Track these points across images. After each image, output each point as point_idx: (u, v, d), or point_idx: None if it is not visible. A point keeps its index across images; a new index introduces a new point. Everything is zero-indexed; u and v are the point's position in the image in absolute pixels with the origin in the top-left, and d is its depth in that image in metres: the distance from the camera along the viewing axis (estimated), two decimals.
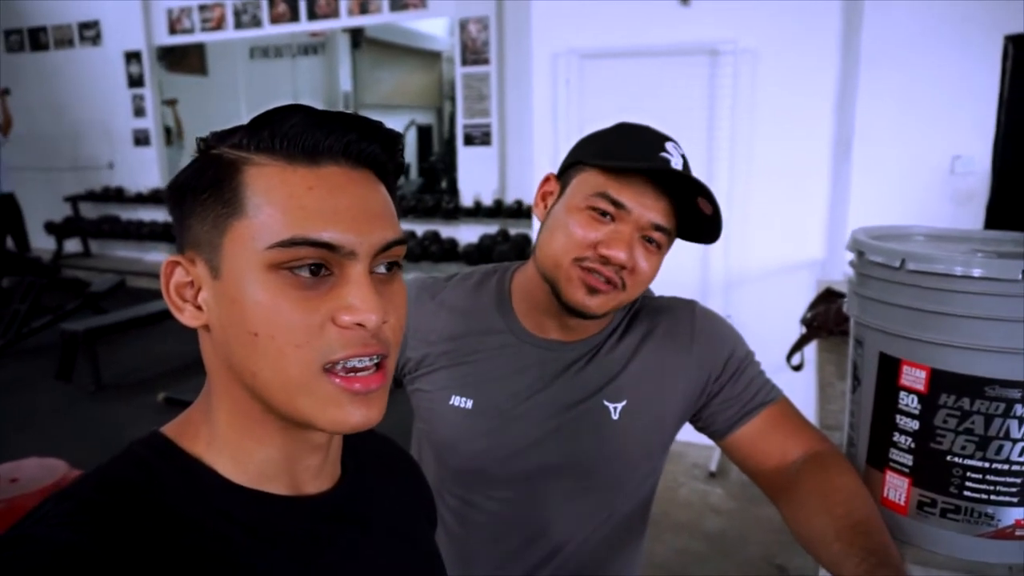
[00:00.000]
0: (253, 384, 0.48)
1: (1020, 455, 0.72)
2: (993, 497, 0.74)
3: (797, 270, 3.00)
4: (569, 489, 0.92)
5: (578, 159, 0.86)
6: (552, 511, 0.92)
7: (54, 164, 7.57)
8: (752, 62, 2.93)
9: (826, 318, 1.61)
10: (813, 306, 1.70)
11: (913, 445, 0.77)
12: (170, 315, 0.51)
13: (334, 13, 5.86)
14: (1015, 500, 0.74)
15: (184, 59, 7.71)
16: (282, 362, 0.47)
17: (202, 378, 0.54)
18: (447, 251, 5.44)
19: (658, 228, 0.82)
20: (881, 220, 0.99)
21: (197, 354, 0.53)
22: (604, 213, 0.81)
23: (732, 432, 0.92)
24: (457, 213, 5.59)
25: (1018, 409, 0.71)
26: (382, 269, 0.51)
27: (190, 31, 6.68)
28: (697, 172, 0.85)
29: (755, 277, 3.11)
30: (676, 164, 0.82)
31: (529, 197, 0.94)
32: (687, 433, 0.99)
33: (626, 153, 0.82)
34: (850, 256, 0.86)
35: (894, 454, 0.80)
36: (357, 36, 9.07)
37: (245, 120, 0.49)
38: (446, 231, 5.66)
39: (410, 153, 9.75)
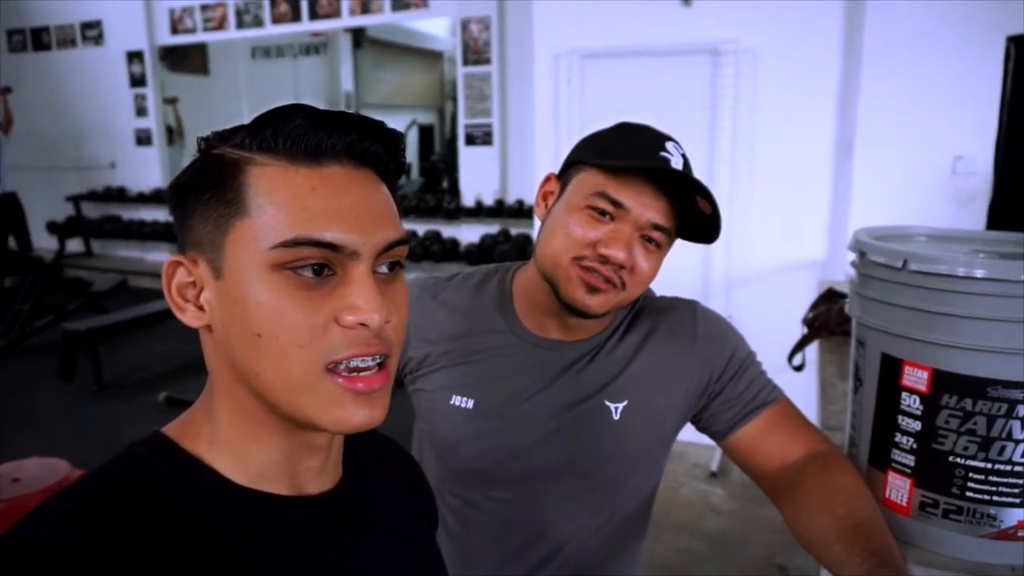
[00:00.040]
0: (256, 384, 0.48)
1: (1023, 456, 0.72)
2: (995, 498, 0.74)
3: (798, 270, 3.00)
4: (570, 489, 0.92)
5: (578, 158, 0.86)
6: (553, 511, 0.92)
7: (56, 164, 7.57)
8: (754, 62, 2.93)
9: (827, 318, 1.61)
10: (815, 306, 1.70)
11: (915, 446, 0.77)
12: (171, 315, 0.51)
13: (336, 13, 5.86)
14: (1017, 501, 0.74)
15: (186, 59, 7.71)
16: (285, 362, 0.47)
17: (203, 378, 0.54)
18: (448, 251, 5.44)
19: (657, 228, 0.81)
20: (883, 220, 0.99)
21: (198, 354, 0.53)
22: (603, 212, 0.81)
23: (733, 432, 0.92)
24: (458, 213, 5.59)
25: (1021, 410, 0.71)
26: (384, 269, 0.51)
27: (192, 31, 6.68)
28: (698, 172, 0.85)
29: (756, 277, 3.11)
30: (676, 164, 0.81)
31: (530, 197, 0.94)
32: (688, 433, 0.99)
33: (626, 152, 0.82)
34: (852, 256, 0.86)
35: (896, 455, 0.79)
36: (359, 36, 9.06)
37: (247, 120, 0.49)
38: (447, 231, 5.66)
39: (412, 153, 9.75)
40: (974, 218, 2.53)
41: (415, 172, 9.65)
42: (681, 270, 3.03)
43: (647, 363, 0.92)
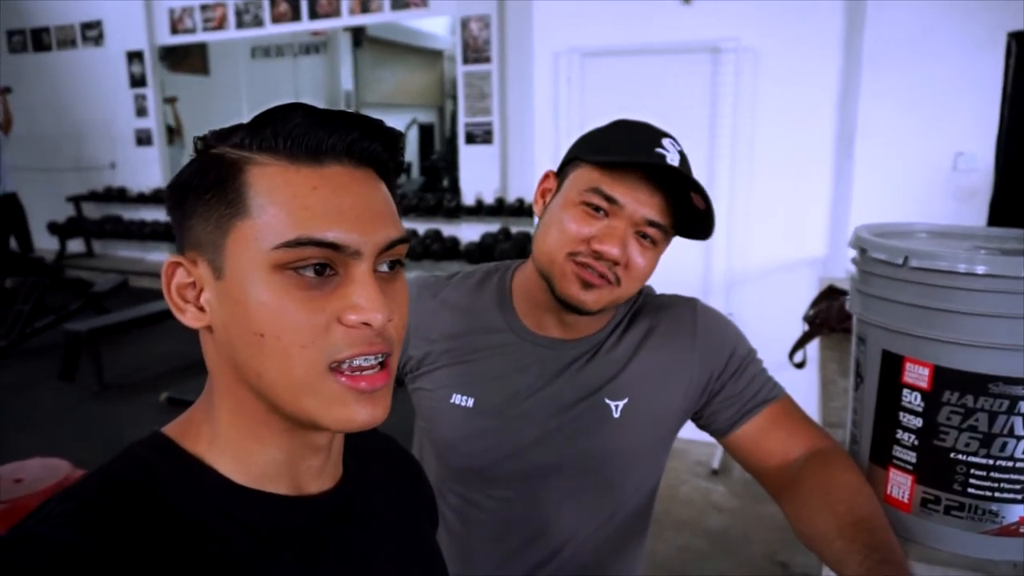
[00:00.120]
0: (258, 385, 0.48)
1: None
2: (997, 494, 0.74)
3: (799, 267, 3.00)
4: (570, 488, 0.92)
5: (575, 155, 0.86)
6: (553, 510, 0.92)
7: (57, 164, 7.57)
8: (754, 60, 2.92)
9: (828, 315, 1.61)
10: (815, 303, 1.70)
11: (916, 442, 0.77)
12: (172, 315, 0.51)
13: (335, 12, 5.85)
14: (1019, 497, 0.74)
15: (186, 59, 7.70)
16: (288, 362, 0.47)
17: (205, 378, 0.54)
18: (449, 250, 5.43)
19: (652, 224, 0.81)
20: (884, 217, 0.99)
21: (199, 354, 0.53)
22: (597, 208, 0.81)
23: (734, 430, 0.91)
24: (459, 212, 5.58)
25: (1022, 406, 0.71)
26: (385, 268, 0.51)
27: (192, 31, 6.68)
28: (699, 171, 0.85)
29: (757, 275, 3.10)
30: (672, 160, 0.81)
31: (531, 195, 0.94)
32: (689, 430, 0.99)
33: (621, 149, 0.82)
34: (852, 253, 0.86)
35: (897, 451, 0.79)
36: (358, 35, 9.06)
37: (247, 120, 0.49)
38: (448, 230, 5.66)
39: (412, 152, 9.74)
40: (975, 214, 2.53)
41: (415, 171, 9.65)
42: (681, 268, 3.05)
43: (647, 361, 0.91)
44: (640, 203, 0.80)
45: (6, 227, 6.07)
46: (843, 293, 1.65)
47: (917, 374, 0.76)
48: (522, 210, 5.28)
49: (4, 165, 6.03)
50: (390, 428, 0.71)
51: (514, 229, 5.33)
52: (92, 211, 7.44)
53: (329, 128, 0.48)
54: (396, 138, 0.52)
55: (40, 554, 0.42)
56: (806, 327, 1.67)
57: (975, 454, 0.74)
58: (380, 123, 0.51)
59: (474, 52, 5.25)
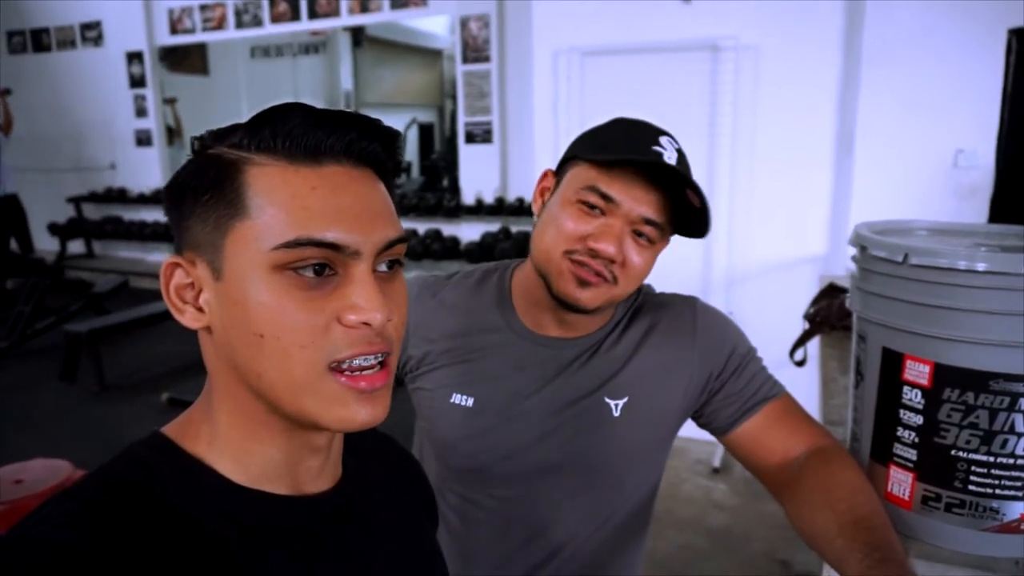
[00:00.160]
0: (258, 385, 0.48)
1: None
2: (998, 491, 0.74)
3: (800, 266, 3.00)
4: (571, 487, 0.91)
5: (572, 154, 0.86)
6: (554, 509, 0.92)
7: (56, 165, 7.57)
8: (754, 58, 2.92)
9: (829, 313, 1.61)
10: (816, 301, 1.70)
11: (917, 440, 0.77)
12: (172, 316, 0.51)
13: (335, 12, 5.85)
14: (1020, 494, 0.73)
15: (186, 59, 7.70)
16: (287, 363, 0.47)
17: (205, 378, 0.54)
18: (449, 249, 5.43)
19: (649, 222, 0.81)
20: (884, 215, 0.99)
21: (200, 354, 0.53)
22: (593, 207, 0.81)
23: (734, 428, 0.91)
24: (459, 211, 5.58)
25: (1023, 403, 0.71)
26: (384, 267, 0.51)
27: (191, 31, 6.67)
28: (699, 169, 0.85)
29: (757, 273, 3.10)
30: (670, 158, 0.81)
31: (531, 195, 0.94)
32: (690, 429, 0.99)
33: (618, 147, 0.82)
34: (852, 251, 0.86)
35: (898, 449, 0.79)
36: (358, 35, 9.06)
37: (246, 120, 0.49)
38: (448, 229, 5.65)
39: (412, 151, 9.75)
40: (976, 212, 2.53)
41: (415, 170, 9.65)
42: (682, 266, 3.04)
43: (647, 360, 0.91)
44: (636, 201, 0.80)
45: (7, 228, 6.07)
46: (843, 291, 1.65)
47: (917, 371, 0.76)
48: (522, 209, 5.28)
49: (5, 166, 6.03)
50: (390, 428, 0.71)
51: (514, 228, 5.32)
52: (92, 212, 7.44)
53: (328, 128, 0.48)
54: (394, 137, 0.52)
55: (40, 554, 0.42)
56: (806, 325, 1.66)
57: (976, 451, 0.74)
58: (378, 123, 0.51)
59: (473, 51, 5.25)
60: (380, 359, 0.49)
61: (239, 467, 0.51)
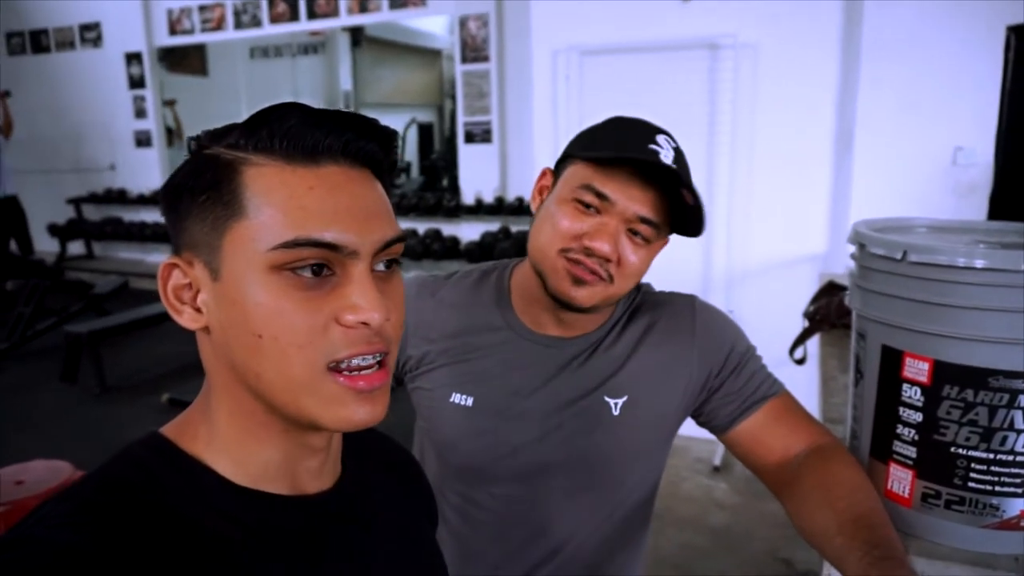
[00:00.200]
0: (257, 385, 0.48)
1: None
2: (998, 488, 0.74)
3: (799, 264, 3.00)
4: (570, 486, 0.91)
5: (569, 152, 0.86)
6: (554, 508, 0.92)
7: (56, 166, 7.57)
8: (752, 56, 2.92)
9: (828, 311, 1.61)
10: (815, 299, 1.70)
11: (917, 437, 0.77)
12: None
13: (334, 12, 5.85)
14: (1020, 491, 0.73)
15: (185, 60, 7.70)
16: (286, 363, 0.47)
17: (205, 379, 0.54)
18: (449, 249, 5.43)
19: (644, 220, 0.81)
20: (883, 213, 0.99)
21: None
22: (589, 205, 0.81)
23: (734, 427, 0.91)
24: (458, 211, 5.58)
25: (1022, 400, 0.71)
26: (382, 267, 0.51)
27: (190, 32, 6.67)
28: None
29: (757, 272, 3.10)
30: (666, 156, 0.80)
31: (530, 194, 0.94)
32: (691, 427, 0.99)
33: (613, 145, 0.82)
34: (852, 249, 0.86)
35: (898, 446, 0.79)
36: (357, 35, 9.06)
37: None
38: (448, 229, 5.65)
39: (411, 151, 9.74)
40: (975, 209, 2.53)
41: (415, 170, 9.65)
42: (681, 265, 3.04)
43: (646, 358, 0.91)
44: (631, 200, 0.80)
45: (7, 230, 6.07)
46: (843, 289, 1.65)
47: (917, 369, 0.76)
48: (522, 209, 5.28)
49: (5, 168, 6.03)
50: (390, 428, 0.71)
51: (514, 228, 5.32)
52: (92, 213, 7.44)
53: (325, 128, 0.48)
54: (391, 137, 0.52)
55: (39, 555, 0.42)
56: (806, 323, 1.66)
57: (975, 448, 0.74)
58: (375, 122, 0.51)
59: (472, 51, 5.25)
60: (378, 359, 0.49)
61: (238, 467, 0.51)
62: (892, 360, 0.79)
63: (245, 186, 0.47)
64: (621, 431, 0.90)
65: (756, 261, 3.09)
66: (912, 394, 0.77)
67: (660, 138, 0.82)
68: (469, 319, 0.93)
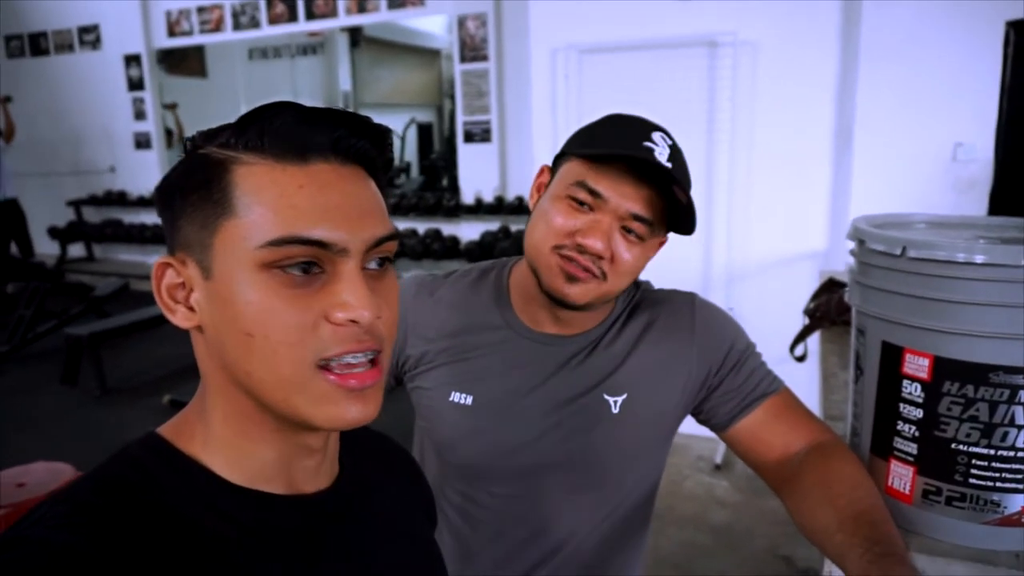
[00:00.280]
0: (248, 384, 0.48)
1: None
2: (999, 484, 0.74)
3: (799, 261, 2.99)
4: (570, 484, 0.91)
5: (565, 149, 0.86)
6: (554, 507, 0.92)
7: (56, 169, 7.57)
8: (752, 54, 2.92)
9: (828, 308, 1.61)
10: (815, 296, 1.70)
11: (917, 434, 0.77)
12: None
13: (332, 13, 5.85)
14: (1021, 487, 0.73)
15: (184, 61, 7.70)
16: (275, 360, 0.46)
17: None
18: (449, 249, 5.43)
19: (637, 218, 0.80)
20: (883, 209, 0.99)
21: None
22: (582, 203, 0.81)
23: (733, 424, 0.91)
24: (458, 210, 5.58)
25: (1023, 395, 0.71)
26: (374, 265, 0.50)
27: (189, 33, 6.67)
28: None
29: (757, 269, 3.10)
30: (661, 154, 0.80)
31: (528, 193, 0.94)
32: (692, 426, 0.99)
33: (608, 143, 0.81)
34: (851, 245, 0.85)
35: (898, 443, 0.79)
36: (356, 35, 9.06)
37: None
38: (448, 229, 5.65)
39: (411, 151, 9.75)
40: (975, 205, 2.52)
41: (415, 170, 9.65)
42: (681, 263, 3.04)
43: (646, 356, 0.91)
44: (624, 197, 0.80)
45: (7, 232, 6.08)
46: (843, 286, 1.65)
47: (917, 365, 0.76)
48: (521, 208, 5.28)
49: (5, 171, 6.04)
50: (389, 427, 0.71)
51: (514, 227, 5.33)
52: (92, 215, 7.45)
53: (315, 126, 0.48)
54: (384, 135, 0.52)
55: (35, 556, 0.42)
56: (806, 320, 1.66)
57: (976, 444, 0.73)
58: (368, 120, 0.51)
59: (471, 50, 5.25)
60: (370, 357, 0.49)
61: (234, 467, 0.51)
62: (892, 356, 0.78)
63: (235, 184, 0.47)
64: (620, 429, 0.90)
65: (756, 259, 3.09)
66: (912, 390, 0.76)
67: (656, 135, 0.82)
68: (468, 318, 0.93)
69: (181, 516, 0.47)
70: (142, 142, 7.16)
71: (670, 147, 0.82)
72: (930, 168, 2.72)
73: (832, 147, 2.92)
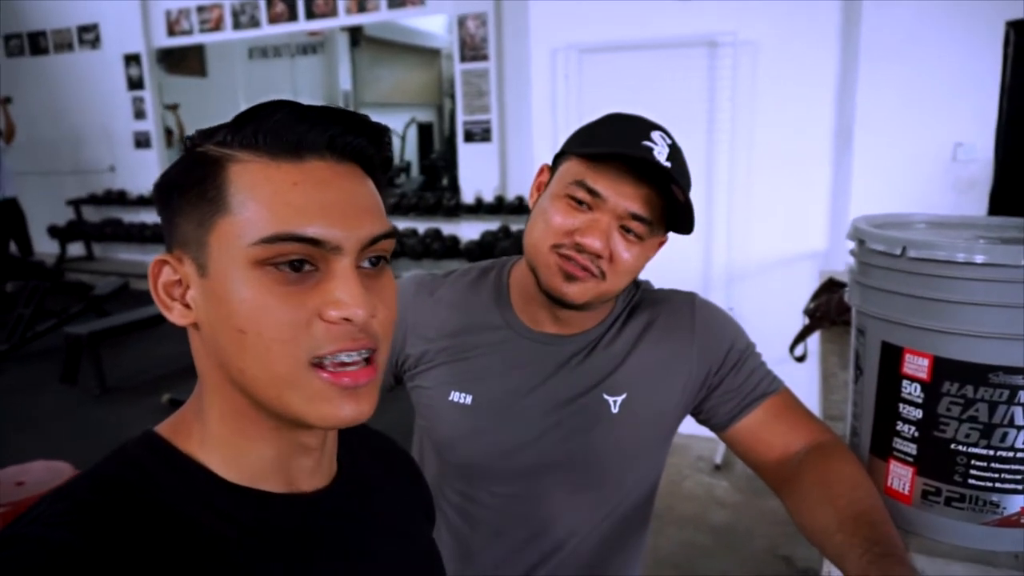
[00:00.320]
0: (242, 381, 0.48)
1: None
2: (998, 485, 0.73)
3: (799, 261, 2.99)
4: (570, 484, 0.91)
5: (565, 148, 0.86)
6: (554, 506, 0.91)
7: (55, 168, 7.57)
8: (752, 54, 2.91)
9: (828, 308, 1.61)
10: (815, 297, 1.70)
11: (917, 434, 0.77)
12: None
13: (332, 12, 5.84)
14: (1020, 487, 0.73)
15: (183, 61, 7.70)
16: (268, 358, 0.46)
17: None
18: (449, 248, 5.43)
19: (635, 217, 0.80)
20: (883, 209, 0.98)
21: None
22: (581, 202, 0.81)
23: (733, 424, 0.91)
24: (458, 210, 5.58)
25: (1022, 396, 0.71)
26: (369, 264, 0.50)
27: (188, 32, 6.67)
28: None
29: (757, 269, 3.10)
30: (660, 153, 0.80)
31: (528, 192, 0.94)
32: (691, 426, 0.98)
33: (607, 142, 0.81)
34: (851, 245, 0.85)
35: (898, 443, 0.79)
36: (356, 35, 9.06)
37: None
38: (448, 228, 5.65)
39: (411, 151, 9.75)
40: (975, 205, 2.52)
41: (415, 170, 9.65)
42: (682, 262, 3.04)
43: (645, 356, 0.91)
44: (623, 196, 0.80)
45: (6, 231, 6.08)
46: (843, 286, 1.65)
47: (916, 365, 0.76)
48: (522, 208, 5.28)
49: (5, 170, 6.04)
50: (389, 427, 0.71)
51: (514, 227, 5.33)
52: (92, 214, 7.45)
53: (309, 123, 0.48)
54: (381, 133, 0.52)
55: (33, 554, 0.42)
56: (806, 321, 1.66)
57: (975, 445, 0.73)
58: (364, 118, 0.50)
59: (471, 50, 5.24)
60: (365, 355, 0.48)
61: (231, 465, 0.51)
62: (892, 356, 0.78)
63: (230, 182, 0.47)
64: (620, 429, 0.90)
65: (756, 259, 3.09)
66: (912, 390, 0.76)
67: (655, 134, 0.82)
68: (468, 317, 0.93)
69: (179, 515, 0.47)
70: (142, 141, 7.15)
71: (669, 146, 0.82)
72: (930, 168, 2.72)
73: (832, 147, 2.92)
